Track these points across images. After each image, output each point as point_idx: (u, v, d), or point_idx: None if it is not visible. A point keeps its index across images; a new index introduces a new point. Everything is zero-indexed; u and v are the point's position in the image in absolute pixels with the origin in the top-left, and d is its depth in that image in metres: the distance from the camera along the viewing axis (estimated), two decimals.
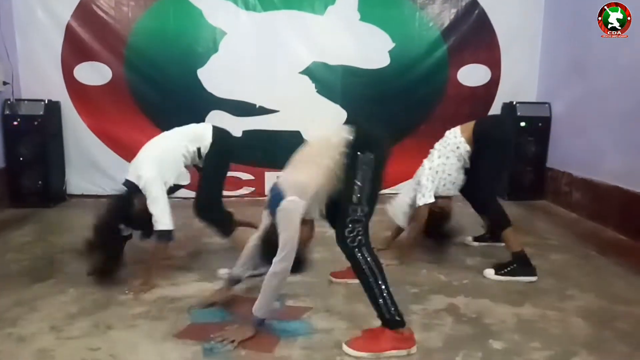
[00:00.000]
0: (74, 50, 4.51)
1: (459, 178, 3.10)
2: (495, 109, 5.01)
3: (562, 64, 4.64)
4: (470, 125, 3.04)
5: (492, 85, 4.98)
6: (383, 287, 1.94)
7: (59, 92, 4.54)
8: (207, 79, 4.66)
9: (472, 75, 4.90)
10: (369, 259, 1.95)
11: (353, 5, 4.77)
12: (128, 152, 4.58)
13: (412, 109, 4.96)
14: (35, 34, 4.46)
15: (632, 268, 2.96)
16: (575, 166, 4.40)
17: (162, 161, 2.70)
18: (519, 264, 2.78)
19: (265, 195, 4.82)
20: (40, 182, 4.31)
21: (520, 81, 5.00)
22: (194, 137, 2.85)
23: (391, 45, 4.84)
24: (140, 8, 4.52)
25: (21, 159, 4.26)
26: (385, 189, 4.79)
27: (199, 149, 2.83)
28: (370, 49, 4.81)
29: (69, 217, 4.14)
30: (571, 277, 2.83)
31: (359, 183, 1.97)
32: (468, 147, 2.99)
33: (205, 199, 2.90)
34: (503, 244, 2.94)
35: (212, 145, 2.84)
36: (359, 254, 1.95)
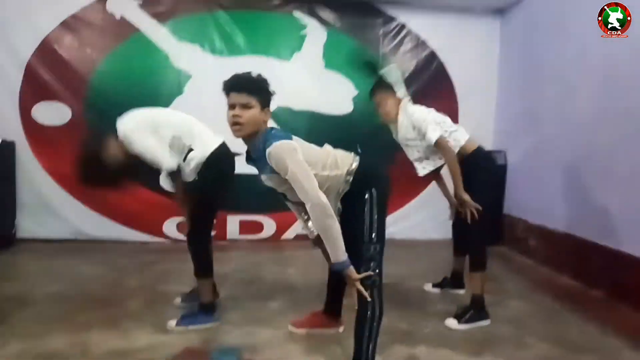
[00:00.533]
0: (33, 90, 4.42)
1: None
2: None
3: (516, 114, 4.87)
4: (473, 146, 3.04)
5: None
6: (374, 334, 1.98)
7: (15, 132, 4.41)
8: None
9: None
10: (377, 300, 1.99)
11: (318, 52, 4.92)
12: (82, 194, 4.51)
13: (376, 155, 5.01)
14: None
15: (585, 315, 3.03)
16: (530, 213, 4.54)
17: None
18: (476, 309, 2.84)
19: (226, 240, 4.77)
20: None
21: (476, 130, 5.13)
22: (197, 132, 2.64)
23: (355, 92, 4.98)
24: (105, 49, 4.51)
25: None
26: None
27: (189, 150, 2.57)
28: (334, 96, 4.93)
29: (17, 262, 3.94)
30: (528, 324, 2.86)
31: (368, 221, 2.01)
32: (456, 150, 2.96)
33: (202, 223, 2.70)
34: (462, 291, 2.97)
35: (217, 161, 2.62)
36: (372, 293, 1.97)
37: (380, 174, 2.18)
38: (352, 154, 2.19)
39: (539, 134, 4.44)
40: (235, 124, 1.99)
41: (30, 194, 4.50)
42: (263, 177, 2.12)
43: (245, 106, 1.98)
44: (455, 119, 5.07)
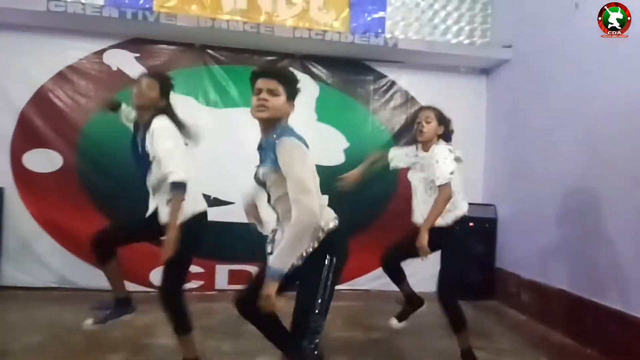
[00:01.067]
0: (25, 137, 4.43)
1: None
2: None
3: (504, 169, 4.95)
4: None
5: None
6: None
7: (4, 178, 4.39)
8: None
9: None
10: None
11: (311, 106, 5.03)
12: (70, 241, 4.45)
13: (367, 205, 5.07)
14: None
15: None
16: (522, 268, 4.52)
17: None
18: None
19: (214, 290, 4.67)
20: None
21: (466, 184, 5.18)
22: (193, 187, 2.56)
23: (346, 144, 5.06)
24: (99, 100, 4.57)
25: None
26: (340, 284, 4.76)
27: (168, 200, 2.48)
28: (326, 148, 4.99)
29: None
30: None
31: (322, 287, 1.90)
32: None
33: (177, 280, 2.64)
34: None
35: (199, 225, 2.61)
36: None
37: (345, 245, 2.08)
38: (334, 214, 2.10)
39: (527, 189, 4.50)
40: (260, 105, 1.96)
41: (15, 241, 4.41)
42: (260, 170, 2.05)
43: (273, 92, 1.98)
44: None
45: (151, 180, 2.59)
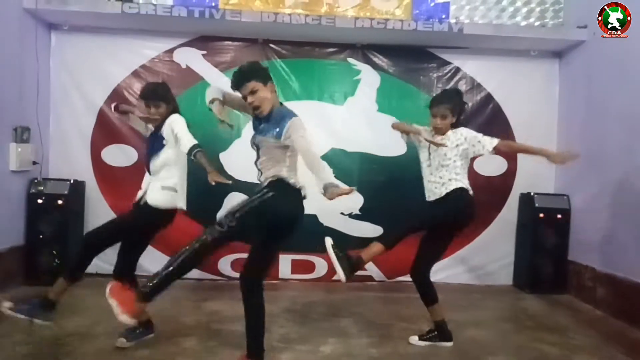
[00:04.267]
0: (104, 133, 4.74)
1: None
2: (512, 199, 5.02)
3: (579, 158, 4.66)
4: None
5: (508, 176, 5.02)
6: None
7: (85, 173, 4.71)
8: (229, 163, 4.79)
9: (488, 165, 4.93)
10: None
11: (371, 97, 4.98)
12: None
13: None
14: (69, 117, 4.73)
15: None
16: (598, 260, 4.27)
17: None
18: (440, 331, 3.16)
19: (278, 279, 4.79)
20: (57, 260, 4.34)
21: (537, 173, 5.02)
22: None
23: None
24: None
25: (41, 237, 4.33)
26: (399, 276, 4.75)
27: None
28: (387, 138, 4.90)
29: (81, 297, 4.09)
30: None
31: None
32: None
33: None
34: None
35: (162, 214, 3.09)
36: None
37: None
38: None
39: (604, 177, 4.24)
40: (255, 108, 2.55)
41: None
42: (258, 138, 2.59)
43: (253, 92, 2.52)
44: (514, 162, 4.99)
45: (156, 162, 3.04)
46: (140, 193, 3.11)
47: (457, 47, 4.96)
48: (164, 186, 3.01)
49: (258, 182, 2.69)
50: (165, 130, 3.00)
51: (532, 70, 5.07)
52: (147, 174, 3.18)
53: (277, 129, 2.50)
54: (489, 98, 5.04)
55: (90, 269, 4.63)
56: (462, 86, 5.05)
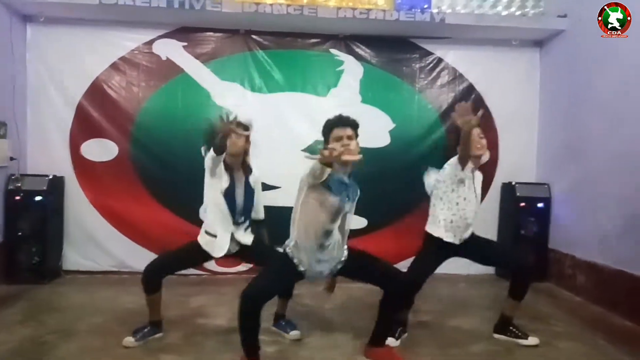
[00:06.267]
0: (83, 128, 4.64)
1: None
2: (494, 189, 5.06)
3: (559, 147, 4.73)
4: None
5: (490, 165, 5.04)
6: None
7: (65, 168, 4.62)
8: None
9: None
10: None
11: (355, 88, 4.97)
12: (127, 227, 4.66)
13: (412, 187, 4.96)
14: (47, 111, 4.62)
15: None
16: (578, 248, 4.35)
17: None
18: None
19: None
20: (36, 257, 4.27)
21: (518, 162, 5.09)
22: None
23: (392, 125, 4.99)
24: (150, 89, 4.71)
25: (20, 234, 4.24)
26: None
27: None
28: (371, 129, 4.92)
29: (63, 295, 4.04)
30: None
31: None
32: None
33: None
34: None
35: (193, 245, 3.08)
36: None
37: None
38: None
39: (584, 166, 4.30)
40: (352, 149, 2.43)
41: (77, 227, 4.67)
42: (348, 206, 2.50)
43: (350, 137, 2.49)
44: (495, 151, 5.01)
45: (252, 214, 3.17)
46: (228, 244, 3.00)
47: (440, 37, 4.96)
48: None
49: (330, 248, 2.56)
50: (254, 188, 3.16)
51: (514, 60, 5.10)
52: (223, 218, 2.98)
53: (357, 194, 2.62)
54: (470, 89, 5.06)
55: (71, 266, 4.65)
56: (445, 77, 5.08)
